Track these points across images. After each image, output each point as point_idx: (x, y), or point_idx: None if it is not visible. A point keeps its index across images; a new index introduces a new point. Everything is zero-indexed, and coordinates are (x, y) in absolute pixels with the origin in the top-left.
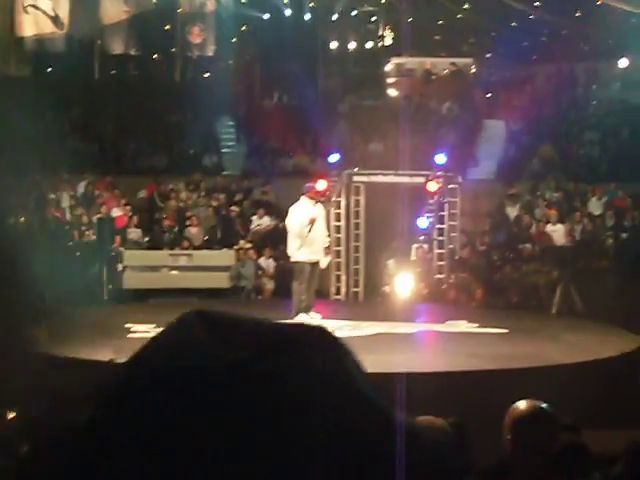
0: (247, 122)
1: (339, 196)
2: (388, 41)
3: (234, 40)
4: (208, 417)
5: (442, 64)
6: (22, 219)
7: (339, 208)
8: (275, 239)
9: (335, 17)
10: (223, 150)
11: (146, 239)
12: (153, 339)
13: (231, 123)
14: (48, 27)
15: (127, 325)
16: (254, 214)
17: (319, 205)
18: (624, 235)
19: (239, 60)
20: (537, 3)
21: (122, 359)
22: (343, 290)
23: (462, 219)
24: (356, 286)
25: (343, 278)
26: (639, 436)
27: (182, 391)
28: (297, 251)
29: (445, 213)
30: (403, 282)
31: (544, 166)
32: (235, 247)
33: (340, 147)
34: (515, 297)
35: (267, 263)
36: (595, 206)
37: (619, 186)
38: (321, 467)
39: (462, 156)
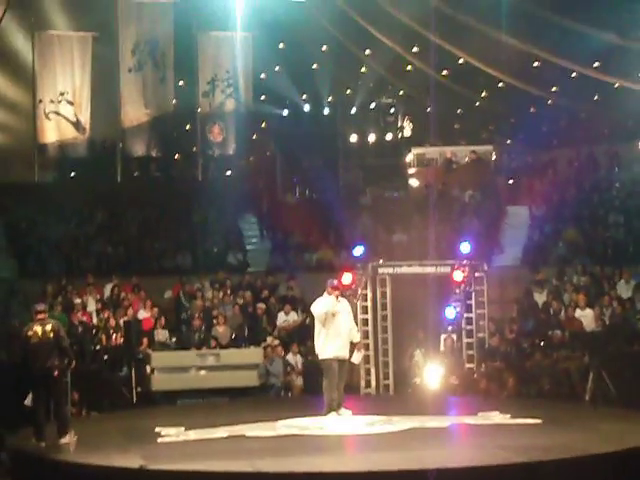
0: (270, 218)
1: (365, 288)
2: (407, 132)
3: (254, 137)
4: None
5: (462, 152)
6: (49, 326)
7: (365, 301)
8: (302, 334)
9: (354, 110)
10: (247, 247)
11: (173, 339)
12: None
13: (254, 219)
14: (70, 132)
15: (157, 429)
16: (281, 310)
17: (343, 300)
18: None
19: (260, 156)
20: (555, 88)
21: (152, 465)
22: (373, 383)
23: (490, 307)
24: (386, 379)
25: (373, 371)
26: None
27: None
28: (323, 348)
29: (472, 302)
30: (433, 373)
31: (570, 250)
32: (262, 344)
33: (364, 239)
34: (547, 385)
35: (295, 359)
36: (624, 289)
37: None
38: None
39: (487, 243)
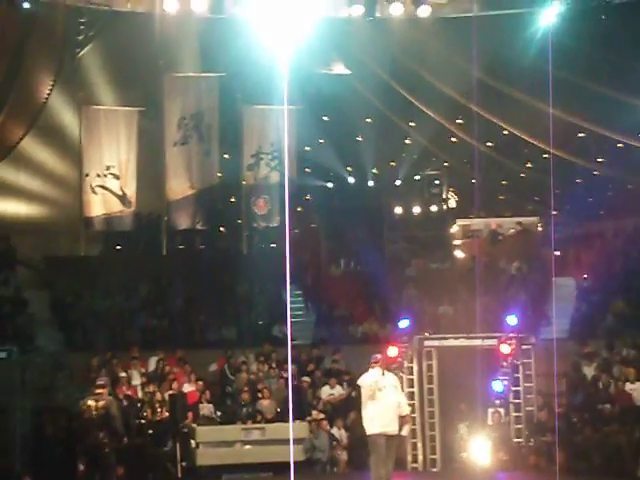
0: (315, 290)
1: (411, 362)
2: (452, 203)
3: (299, 209)
4: None
5: (508, 224)
6: (102, 402)
7: (411, 374)
8: (347, 408)
9: (398, 182)
10: (292, 320)
11: (218, 413)
12: None
13: (299, 292)
14: (116, 206)
15: None
16: (326, 383)
17: (389, 374)
18: None
19: (305, 229)
20: (600, 159)
21: None
22: (420, 458)
23: (537, 380)
24: (433, 453)
25: (419, 445)
26: None
27: None
28: (370, 423)
29: (520, 375)
30: (480, 448)
31: (618, 322)
32: (308, 418)
33: (409, 312)
34: (598, 460)
35: (340, 433)
36: None
37: None
38: None
39: (534, 316)
